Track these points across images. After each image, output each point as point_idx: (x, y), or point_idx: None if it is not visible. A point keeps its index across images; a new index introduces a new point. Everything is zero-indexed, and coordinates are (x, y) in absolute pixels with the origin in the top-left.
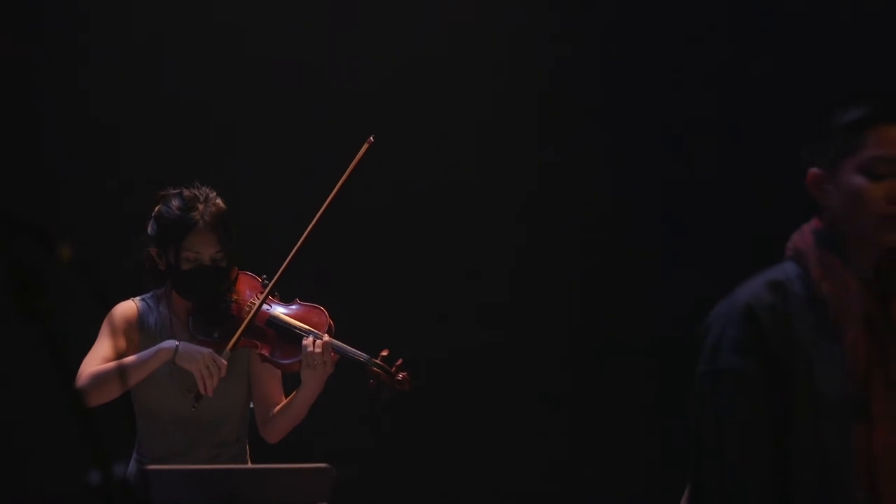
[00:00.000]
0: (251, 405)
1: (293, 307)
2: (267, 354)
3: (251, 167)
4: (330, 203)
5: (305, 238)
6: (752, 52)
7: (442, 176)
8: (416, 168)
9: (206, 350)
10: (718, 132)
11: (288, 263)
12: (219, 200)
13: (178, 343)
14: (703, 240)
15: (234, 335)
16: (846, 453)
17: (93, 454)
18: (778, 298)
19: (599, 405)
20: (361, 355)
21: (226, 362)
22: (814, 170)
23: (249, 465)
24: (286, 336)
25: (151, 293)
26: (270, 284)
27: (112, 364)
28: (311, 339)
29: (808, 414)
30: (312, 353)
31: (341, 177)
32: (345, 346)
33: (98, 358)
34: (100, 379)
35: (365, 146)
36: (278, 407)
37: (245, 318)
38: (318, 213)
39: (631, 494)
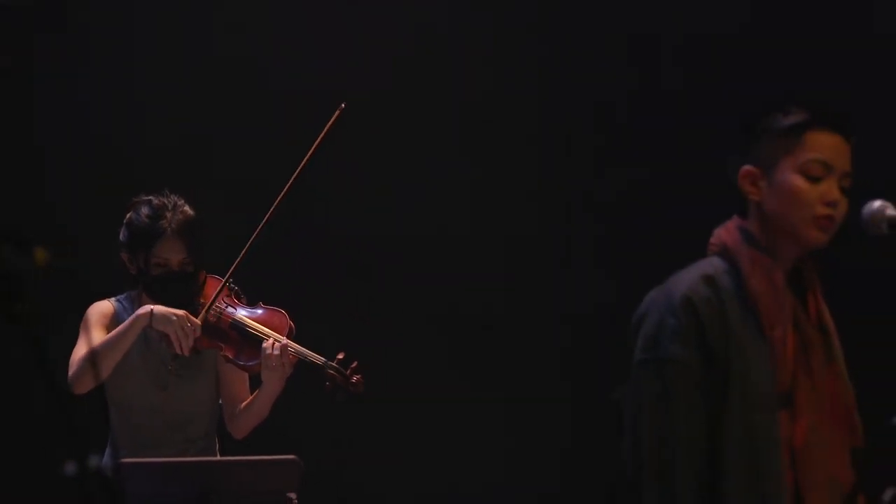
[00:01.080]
0: (220, 402)
1: (256, 310)
2: (231, 357)
3: (227, 172)
4: (298, 176)
5: (272, 213)
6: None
7: (409, 178)
8: (383, 172)
9: (181, 311)
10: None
11: (255, 237)
12: (187, 208)
13: (152, 307)
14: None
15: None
16: (773, 442)
17: (69, 446)
18: (712, 292)
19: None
20: (318, 358)
21: (200, 323)
22: (747, 167)
23: (221, 458)
24: (248, 339)
25: (126, 294)
26: (230, 272)
27: (97, 344)
28: (270, 341)
29: (739, 404)
30: (271, 355)
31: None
32: (302, 349)
33: (85, 349)
34: (88, 360)
35: (336, 113)
36: (243, 405)
37: (211, 318)
38: (289, 181)
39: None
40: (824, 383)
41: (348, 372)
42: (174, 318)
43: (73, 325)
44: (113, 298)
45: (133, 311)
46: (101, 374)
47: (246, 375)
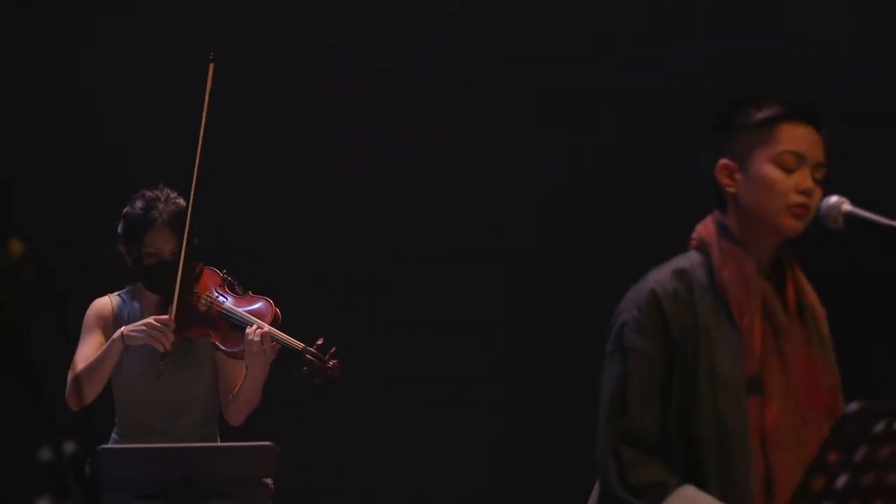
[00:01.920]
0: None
1: (244, 299)
2: (218, 343)
3: (220, 164)
4: (203, 144)
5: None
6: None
7: (402, 175)
8: (379, 170)
9: (145, 320)
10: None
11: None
12: (180, 200)
13: (121, 330)
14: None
15: (188, 325)
16: (742, 427)
17: (44, 432)
18: (681, 285)
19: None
20: (297, 344)
21: (169, 316)
22: (723, 160)
23: (198, 444)
24: (235, 325)
25: (127, 289)
26: (181, 262)
27: (82, 368)
28: (253, 328)
29: (708, 392)
30: (252, 341)
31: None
32: (282, 334)
33: (81, 359)
34: (76, 384)
35: (210, 68)
36: (236, 389)
37: (202, 307)
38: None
39: None
40: (798, 368)
41: (326, 357)
42: (142, 329)
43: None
44: (115, 293)
45: (133, 306)
46: (85, 399)
47: (242, 363)
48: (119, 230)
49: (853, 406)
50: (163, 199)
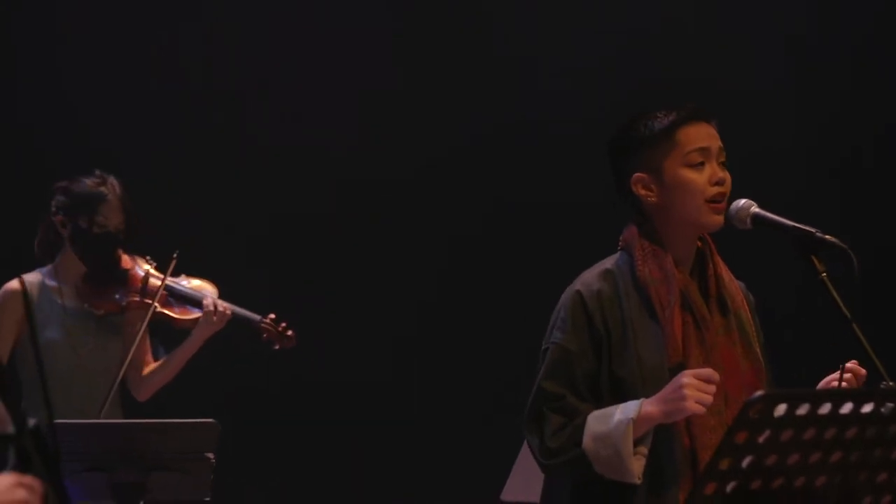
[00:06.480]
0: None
1: (186, 278)
2: (166, 311)
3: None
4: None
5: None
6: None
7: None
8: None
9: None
10: None
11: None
12: (119, 183)
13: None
14: None
15: (126, 296)
16: None
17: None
18: (606, 285)
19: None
20: (254, 316)
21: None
22: (637, 174)
23: (143, 420)
24: (180, 297)
25: (48, 268)
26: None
27: None
28: (210, 299)
29: (636, 380)
30: (212, 311)
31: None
32: (238, 308)
33: None
34: None
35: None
36: (153, 366)
37: (140, 280)
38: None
39: None
40: (719, 355)
41: (280, 328)
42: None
43: None
44: (31, 273)
45: (48, 288)
46: None
47: (149, 343)
48: (59, 203)
49: (757, 393)
50: (109, 179)
